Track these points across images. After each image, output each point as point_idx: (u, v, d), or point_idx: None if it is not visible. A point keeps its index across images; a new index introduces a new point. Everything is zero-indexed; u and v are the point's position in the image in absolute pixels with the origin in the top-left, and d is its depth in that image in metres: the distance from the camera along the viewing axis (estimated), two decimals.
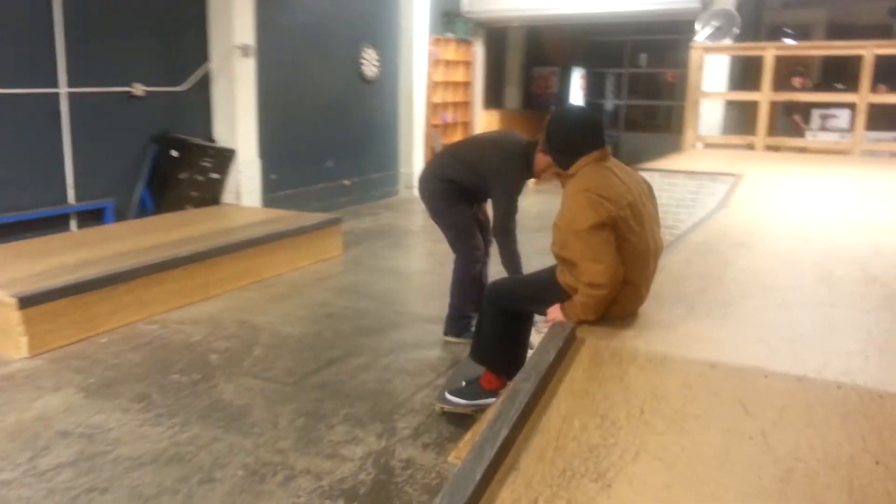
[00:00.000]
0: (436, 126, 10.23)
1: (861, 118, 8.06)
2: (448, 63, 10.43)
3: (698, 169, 6.66)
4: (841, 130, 9.60)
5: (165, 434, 3.13)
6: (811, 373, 2.33)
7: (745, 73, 10.51)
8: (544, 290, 2.94)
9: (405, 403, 3.48)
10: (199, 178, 6.65)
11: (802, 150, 8.95)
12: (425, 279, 5.75)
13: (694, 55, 8.80)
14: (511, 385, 2.37)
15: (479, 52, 11.23)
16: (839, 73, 11.56)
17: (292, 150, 7.97)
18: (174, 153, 6.38)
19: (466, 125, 11.16)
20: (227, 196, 7.04)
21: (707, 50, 8.87)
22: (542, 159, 3.94)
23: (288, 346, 4.21)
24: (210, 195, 6.83)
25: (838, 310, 3.00)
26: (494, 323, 3.15)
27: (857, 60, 12.07)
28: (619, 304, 2.80)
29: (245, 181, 7.07)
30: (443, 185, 4.20)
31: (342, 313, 4.83)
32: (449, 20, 10.46)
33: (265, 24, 7.17)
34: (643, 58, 14.88)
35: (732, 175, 6.26)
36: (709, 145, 9.14)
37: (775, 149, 8.63)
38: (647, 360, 2.46)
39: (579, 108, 2.97)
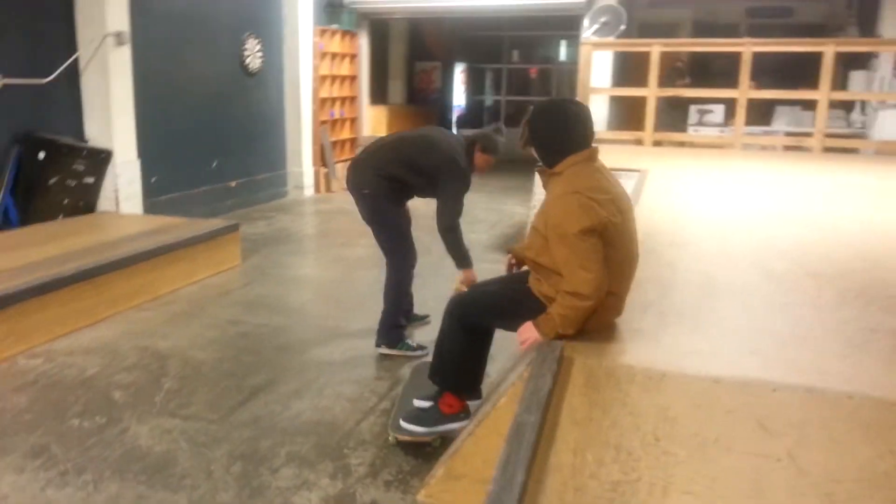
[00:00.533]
0: (324, 122, 9.77)
1: (741, 113, 8.39)
2: (334, 56, 9.99)
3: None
4: (717, 125, 10.04)
5: (77, 497, 2.63)
6: (816, 382, 2.23)
7: (624, 69, 10.77)
8: (516, 302, 2.71)
9: (352, 434, 3.14)
10: (72, 182, 5.90)
11: (683, 144, 9.29)
12: (340, 289, 5.37)
13: (583, 51, 8.86)
14: (513, 421, 2.11)
15: (364, 44, 10.86)
16: (704, 70, 12.16)
17: (173, 149, 7.30)
18: (41, 155, 5.63)
19: (354, 121, 10.76)
20: (104, 202, 6.31)
21: (596, 46, 8.95)
22: (481, 157, 3.94)
23: (203, 376, 3.74)
24: (84, 202, 6.09)
25: (803, 309, 2.96)
26: (455, 341, 2.89)
27: (720, 58, 12.75)
28: (601, 317, 2.62)
29: (123, 185, 6.37)
30: (388, 183, 3.90)
31: (258, 332, 4.39)
32: (333, 10, 10.04)
33: (140, 9, 6.49)
34: (515, 54, 15.05)
35: (637, 171, 6.29)
36: (598, 141, 9.24)
37: (659, 143, 8.86)
38: (647, 379, 2.28)
39: (570, 101, 2.73)
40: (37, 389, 3.53)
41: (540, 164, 2.79)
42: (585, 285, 2.43)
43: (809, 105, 10.17)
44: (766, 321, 2.81)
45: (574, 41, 14.57)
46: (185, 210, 7.25)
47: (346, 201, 9.17)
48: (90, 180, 6.08)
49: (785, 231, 4.32)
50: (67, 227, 5.55)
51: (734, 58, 9.98)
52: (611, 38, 9.11)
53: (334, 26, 9.97)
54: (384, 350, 4.05)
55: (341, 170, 10.15)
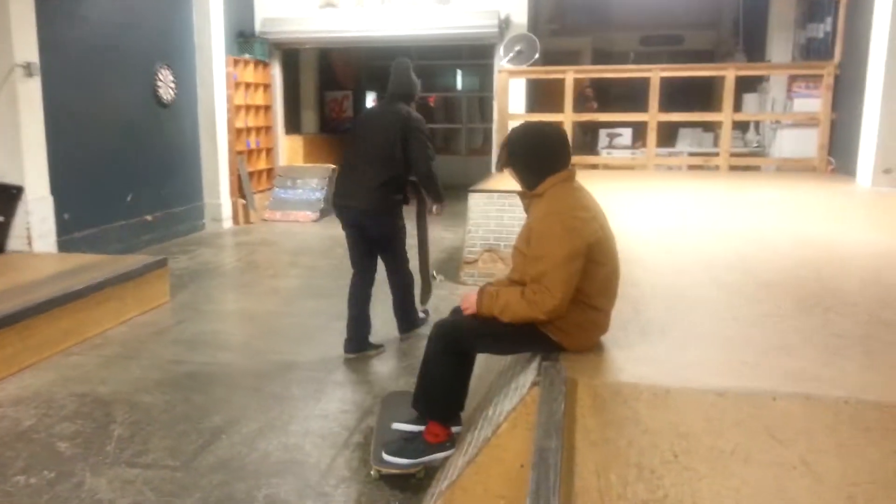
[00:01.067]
0: (240, 153, 9.50)
1: (652, 136, 8.73)
2: (248, 85, 9.76)
3: None
4: (626, 147, 10.44)
5: None
6: (811, 389, 2.30)
7: (534, 96, 11.08)
8: (512, 327, 2.66)
9: (331, 472, 3.01)
10: None
11: (597, 166, 9.60)
12: (282, 322, 5.17)
13: (500, 79, 9.05)
14: (534, 447, 2.06)
15: (276, 74, 10.67)
16: (605, 96, 12.71)
17: (87, 184, 6.90)
18: None
19: (270, 151, 10.52)
20: (14, 241, 5.87)
21: (512, 73, 9.15)
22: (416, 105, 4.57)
23: (155, 420, 3.50)
24: None
25: (771, 319, 3.06)
26: (441, 366, 2.81)
27: (617, 84, 13.35)
28: (592, 334, 2.64)
29: (36, 223, 5.94)
30: (396, 197, 4.29)
31: (205, 371, 4.16)
32: (245, 40, 9.83)
33: (48, 39, 6.12)
34: (420, 83, 15.18)
35: None
36: None
37: (574, 166, 9.09)
38: (653, 396, 2.29)
39: (546, 123, 2.75)
40: None
41: (519, 189, 2.80)
42: (548, 306, 2.49)
43: (708, 127, 10.81)
44: (741, 331, 2.89)
45: (480, 70, 14.95)
46: (101, 247, 6.87)
47: (266, 232, 8.97)
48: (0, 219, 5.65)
49: (724, 245, 4.50)
50: None
51: (630, 84, 10.54)
52: (525, 66, 9.32)
53: (247, 56, 9.75)
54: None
55: (259, 200, 9.89)
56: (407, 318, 4.67)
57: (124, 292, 5.11)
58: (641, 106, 9.13)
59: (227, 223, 9.18)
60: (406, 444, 2.94)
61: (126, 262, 5.43)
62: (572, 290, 2.52)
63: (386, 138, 4.20)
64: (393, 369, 4.21)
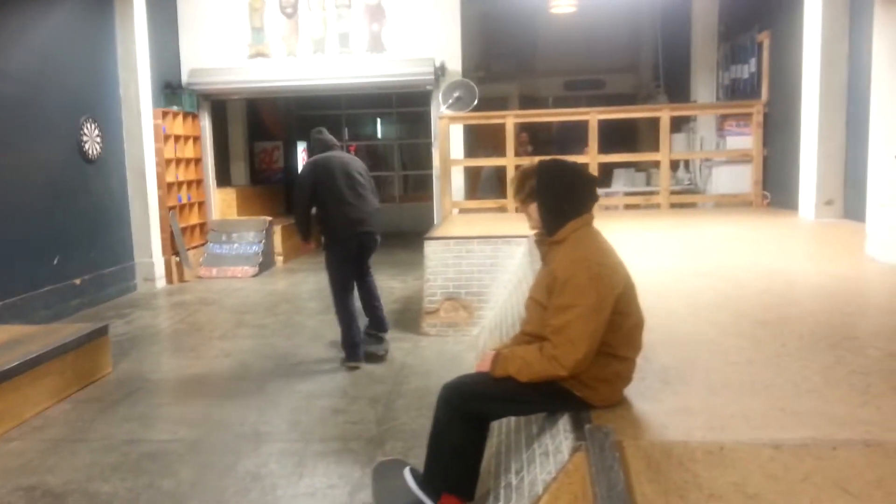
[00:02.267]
0: (171, 208, 9.04)
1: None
2: (177, 138, 9.35)
3: (484, 233, 6.62)
4: None
5: None
6: (863, 434, 2.20)
7: (469, 140, 11.08)
8: (530, 386, 2.45)
9: None
10: None
11: None
12: (243, 388, 4.78)
13: (441, 125, 8.99)
14: None
15: (206, 126, 10.30)
16: (534, 139, 12.88)
17: (8, 247, 6.36)
18: None
19: (202, 205, 10.07)
20: None
21: (453, 119, 9.12)
22: None
23: None
24: None
25: (784, 359, 2.97)
26: (455, 433, 2.58)
27: (543, 128, 13.65)
28: (617, 386, 2.50)
29: None
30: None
31: (167, 450, 3.75)
32: (173, 92, 9.45)
33: None
34: (346, 131, 15.11)
35: (524, 237, 6.33)
36: (463, 210, 9.34)
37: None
38: (706, 454, 2.13)
39: (573, 162, 2.58)
40: None
41: (536, 232, 2.63)
42: (571, 360, 2.34)
43: (640, 167, 11.06)
44: (760, 375, 2.78)
45: (409, 117, 14.96)
46: (28, 315, 6.33)
47: (203, 290, 8.52)
48: None
49: (700, 283, 4.46)
50: None
51: (550, 128, 10.67)
52: (464, 112, 9.30)
53: (174, 108, 9.37)
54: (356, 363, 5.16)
55: (193, 257, 9.42)
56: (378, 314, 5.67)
57: (63, 366, 4.64)
58: (570, 149, 9.28)
59: (161, 282, 8.66)
60: None
61: (63, 332, 4.95)
62: (597, 344, 2.36)
63: (364, 176, 5.40)
64: (374, 433, 3.92)
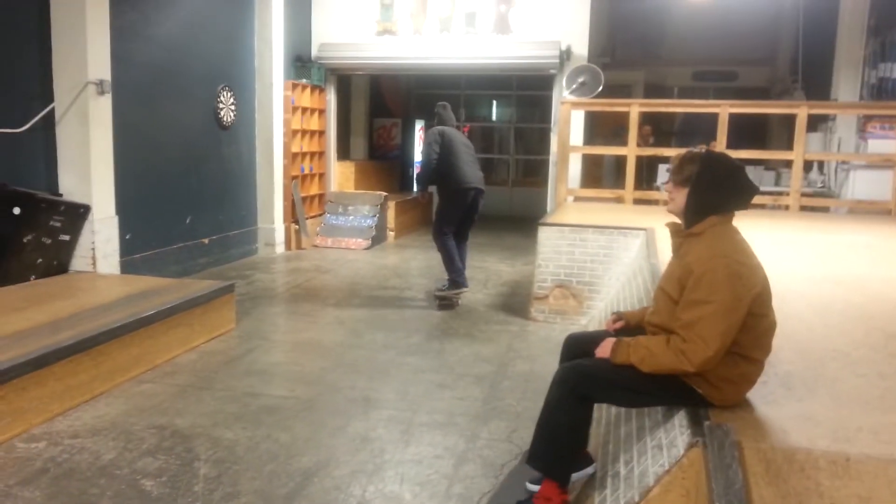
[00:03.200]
0: (294, 177, 9.41)
1: None
2: (304, 110, 9.70)
3: (600, 223, 6.51)
4: None
5: None
6: None
7: (586, 128, 10.90)
8: (651, 378, 2.42)
9: None
10: (47, 240, 5.37)
11: (658, 201, 9.32)
12: (354, 355, 4.96)
13: (563, 110, 8.86)
14: None
15: (331, 100, 10.61)
16: (658, 130, 12.51)
17: (149, 204, 6.82)
18: (16, 210, 5.10)
19: (322, 176, 10.43)
20: (78, 261, 5.77)
21: (575, 105, 8.97)
22: None
23: (241, 459, 3.30)
24: (58, 261, 5.55)
25: None
26: (564, 413, 2.55)
27: (666, 118, 13.19)
28: (742, 387, 2.44)
29: (101, 243, 5.85)
30: None
31: (284, 406, 3.96)
32: (303, 65, 9.79)
33: (118, 58, 6.07)
34: (463, 112, 15.13)
35: (643, 229, 6.19)
36: (578, 199, 9.21)
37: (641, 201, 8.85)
38: (832, 464, 2.04)
39: (739, 162, 2.50)
40: (49, 480, 3.02)
41: (670, 223, 2.59)
42: (700, 357, 2.29)
43: (768, 165, 10.54)
44: (891, 389, 2.64)
45: (528, 100, 14.84)
46: (159, 269, 6.76)
47: (319, 259, 8.83)
48: (66, 238, 5.56)
49: (830, 291, 4.23)
50: (44, 290, 5.01)
51: (672, 119, 10.21)
52: (588, 98, 9.15)
53: (304, 81, 9.71)
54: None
55: (312, 226, 9.78)
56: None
57: (192, 318, 4.96)
58: (693, 142, 8.90)
59: (280, 248, 9.06)
60: None
61: (194, 287, 5.29)
62: (729, 343, 2.30)
63: (472, 150, 6.59)
64: (479, 410, 3.97)
